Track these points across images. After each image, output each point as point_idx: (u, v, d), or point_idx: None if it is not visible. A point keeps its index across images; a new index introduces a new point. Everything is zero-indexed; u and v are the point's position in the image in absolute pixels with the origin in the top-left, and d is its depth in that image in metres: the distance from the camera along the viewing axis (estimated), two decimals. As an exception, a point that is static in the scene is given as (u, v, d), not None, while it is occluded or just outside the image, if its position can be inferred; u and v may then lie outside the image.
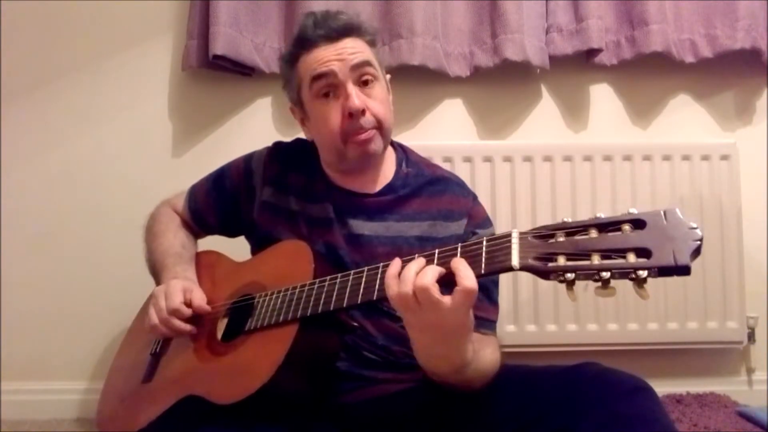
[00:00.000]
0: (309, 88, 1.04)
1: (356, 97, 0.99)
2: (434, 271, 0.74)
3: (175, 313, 1.00)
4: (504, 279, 1.55)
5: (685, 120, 1.70)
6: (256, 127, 1.65)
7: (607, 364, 0.88)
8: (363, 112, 0.99)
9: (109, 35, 1.66)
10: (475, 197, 1.14)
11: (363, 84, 1.02)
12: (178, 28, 1.65)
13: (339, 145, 1.03)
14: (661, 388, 1.00)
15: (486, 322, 1.00)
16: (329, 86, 1.01)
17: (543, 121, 1.69)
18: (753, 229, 1.64)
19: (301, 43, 1.04)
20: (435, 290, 0.73)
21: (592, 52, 1.61)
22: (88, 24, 1.65)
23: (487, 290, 1.02)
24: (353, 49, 1.02)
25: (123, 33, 1.66)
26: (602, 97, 1.70)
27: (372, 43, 1.08)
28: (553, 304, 1.56)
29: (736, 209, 1.59)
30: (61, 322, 1.62)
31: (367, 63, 1.02)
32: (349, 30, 1.03)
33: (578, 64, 1.66)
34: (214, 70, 1.60)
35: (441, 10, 1.61)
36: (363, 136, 1.01)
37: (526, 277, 1.56)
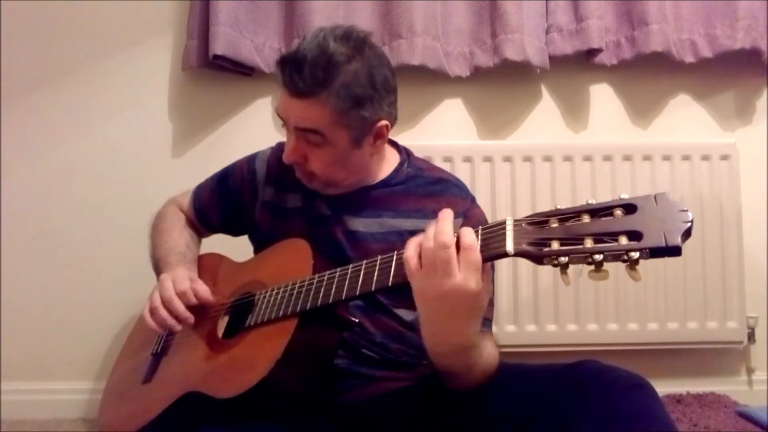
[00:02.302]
0: None
1: (291, 151, 1.01)
2: (451, 232, 0.74)
3: (182, 296, 1.01)
4: (504, 279, 1.56)
5: (685, 120, 1.70)
6: (256, 127, 1.65)
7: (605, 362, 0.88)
8: (296, 163, 1.03)
9: (109, 35, 1.66)
10: (473, 200, 1.14)
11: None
12: (178, 28, 1.65)
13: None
14: (661, 388, 0.99)
15: (482, 320, 0.99)
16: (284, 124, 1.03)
17: (543, 121, 1.69)
18: (753, 229, 1.64)
19: (278, 70, 0.99)
20: (453, 249, 0.73)
21: (592, 52, 1.61)
22: (88, 24, 1.65)
23: None
24: (304, 112, 0.97)
25: (123, 33, 1.66)
26: (602, 97, 1.70)
27: (352, 103, 0.96)
28: (553, 304, 1.56)
29: (736, 209, 1.59)
30: (61, 322, 1.62)
31: (313, 131, 0.97)
32: (314, 91, 0.94)
33: (578, 64, 1.66)
34: (214, 70, 1.60)
35: (441, 10, 1.61)
36: (300, 175, 1.06)
37: (526, 277, 1.56)
